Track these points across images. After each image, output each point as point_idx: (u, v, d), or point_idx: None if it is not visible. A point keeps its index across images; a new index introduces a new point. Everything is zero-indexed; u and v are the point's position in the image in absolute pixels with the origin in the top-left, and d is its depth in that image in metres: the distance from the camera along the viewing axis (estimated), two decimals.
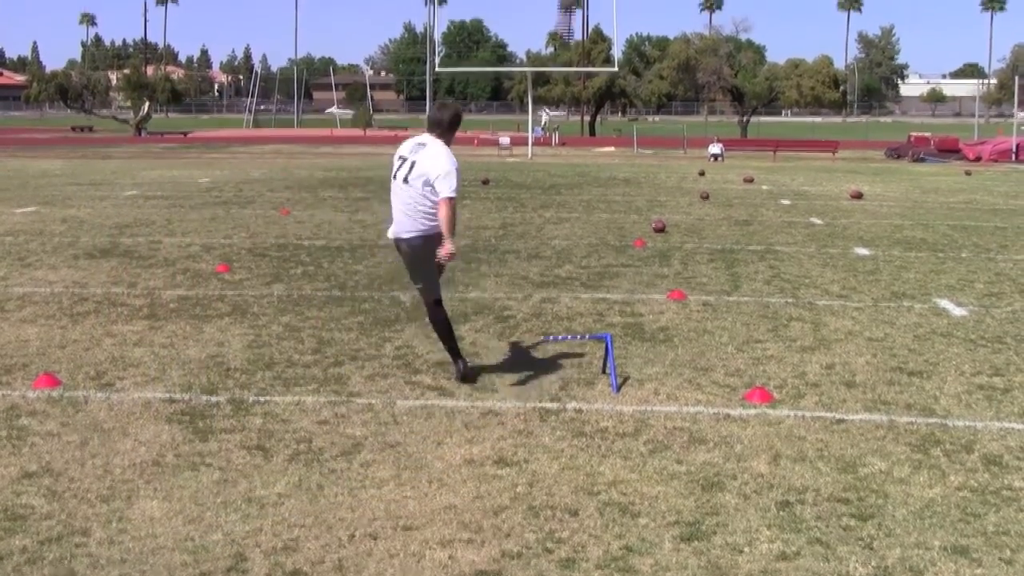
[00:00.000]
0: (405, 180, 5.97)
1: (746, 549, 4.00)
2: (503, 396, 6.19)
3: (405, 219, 6.07)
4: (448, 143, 6.10)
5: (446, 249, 5.95)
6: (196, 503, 4.46)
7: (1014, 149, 37.58)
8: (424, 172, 5.90)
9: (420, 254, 6.12)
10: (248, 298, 9.31)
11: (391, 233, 6.31)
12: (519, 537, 4.11)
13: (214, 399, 6.12)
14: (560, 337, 7.32)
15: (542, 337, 7.50)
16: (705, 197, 19.97)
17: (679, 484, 4.72)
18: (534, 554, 3.96)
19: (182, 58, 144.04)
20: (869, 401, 6.23)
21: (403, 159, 6.07)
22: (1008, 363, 7.21)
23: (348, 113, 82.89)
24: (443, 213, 5.90)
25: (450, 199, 5.90)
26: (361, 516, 4.32)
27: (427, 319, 6.62)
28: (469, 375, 6.35)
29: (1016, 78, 47.86)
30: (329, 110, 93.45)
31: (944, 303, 9.48)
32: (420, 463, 4.99)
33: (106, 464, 5.00)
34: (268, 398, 6.13)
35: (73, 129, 61.57)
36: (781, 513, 4.38)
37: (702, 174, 27.76)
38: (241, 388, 6.36)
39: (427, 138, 6.11)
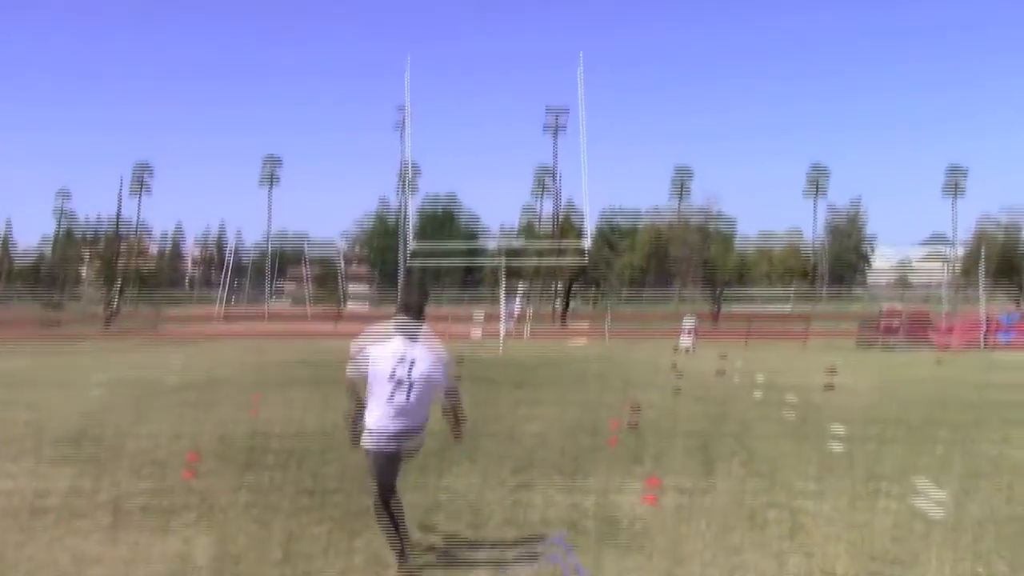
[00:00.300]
0: (408, 379, 5.86)
1: None
2: None
3: (403, 418, 5.96)
4: (424, 320, 6.16)
5: (463, 433, 6.29)
6: None
7: (983, 332, 37.49)
8: (427, 369, 5.91)
9: (413, 450, 6.22)
10: (215, 501, 9.03)
11: (375, 437, 6.07)
12: None
13: None
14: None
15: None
16: (677, 390, 19.85)
17: None
18: None
19: (156, 233, 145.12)
20: None
21: (400, 358, 5.92)
22: (990, 558, 7.09)
23: (296, 290, 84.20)
24: (456, 400, 6.13)
25: (456, 387, 6.21)
26: None
27: (382, 507, 6.58)
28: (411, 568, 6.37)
29: (983, 248, 47.81)
30: (281, 294, 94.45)
31: (922, 490, 9.38)
32: None
33: None
34: None
35: (41, 324, 61.55)
36: None
37: (675, 367, 27.43)
38: None
39: (403, 344, 6.00)
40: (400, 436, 6.00)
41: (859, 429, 14.03)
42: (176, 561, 7.22)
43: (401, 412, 5.96)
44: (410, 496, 9.03)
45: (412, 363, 5.88)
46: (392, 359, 5.93)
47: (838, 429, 13.88)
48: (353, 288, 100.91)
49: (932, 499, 8.87)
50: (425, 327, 6.04)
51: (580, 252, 54.81)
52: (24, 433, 13.56)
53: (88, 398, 18.41)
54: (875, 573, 6.60)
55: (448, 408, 6.11)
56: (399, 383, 5.85)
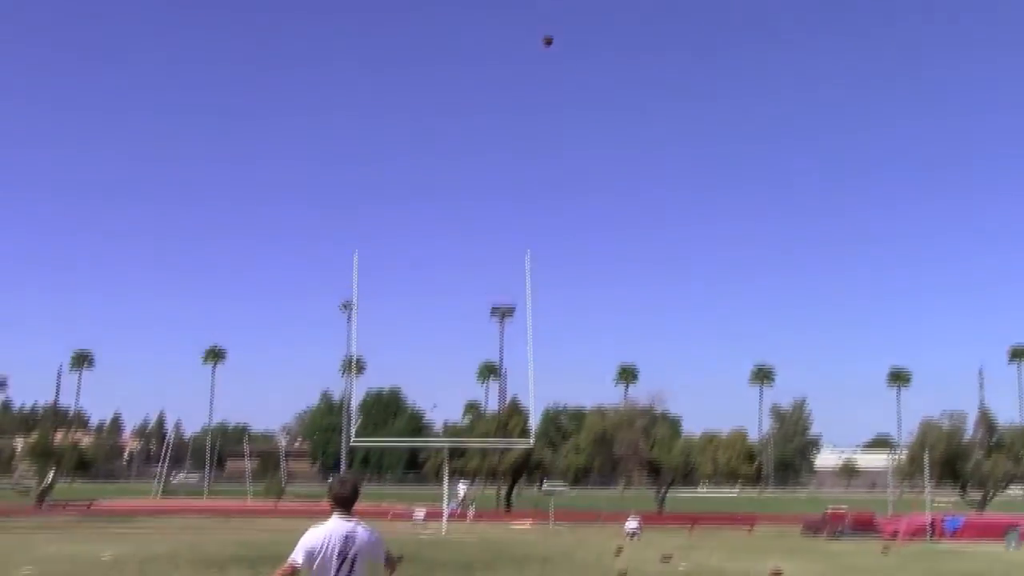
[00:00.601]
0: (350, 559, 5.89)
1: None
2: None
3: None
4: (353, 513, 6.23)
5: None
6: None
7: (929, 525, 38.06)
8: (367, 548, 5.97)
9: None
10: None
11: None
12: None
13: None
14: None
15: None
16: (623, 574, 19.79)
17: None
18: None
19: (93, 422, 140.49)
20: None
21: (342, 557, 5.93)
22: None
23: (190, 477, 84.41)
24: (394, 565, 6.21)
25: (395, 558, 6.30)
26: None
27: None
28: None
29: (926, 452, 48.12)
30: (179, 477, 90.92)
31: None
32: None
33: None
34: None
35: None
36: None
37: (619, 552, 27.19)
38: None
39: (344, 525, 6.05)
40: None
41: None
42: None
43: None
44: None
45: (352, 543, 5.94)
46: (332, 542, 5.96)
47: None
48: (294, 473, 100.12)
49: None
50: (355, 520, 6.15)
51: (526, 442, 52.66)
52: None
53: None
54: None
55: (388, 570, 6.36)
56: (341, 564, 5.90)
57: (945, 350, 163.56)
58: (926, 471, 45.09)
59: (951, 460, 52.27)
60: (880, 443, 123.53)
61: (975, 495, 54.38)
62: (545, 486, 74.00)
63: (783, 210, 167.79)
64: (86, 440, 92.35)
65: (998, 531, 36.71)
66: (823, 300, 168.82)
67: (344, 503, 6.05)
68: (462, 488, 60.54)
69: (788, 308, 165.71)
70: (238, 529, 38.29)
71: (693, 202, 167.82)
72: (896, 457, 70.95)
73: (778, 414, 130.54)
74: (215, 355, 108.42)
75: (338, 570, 5.87)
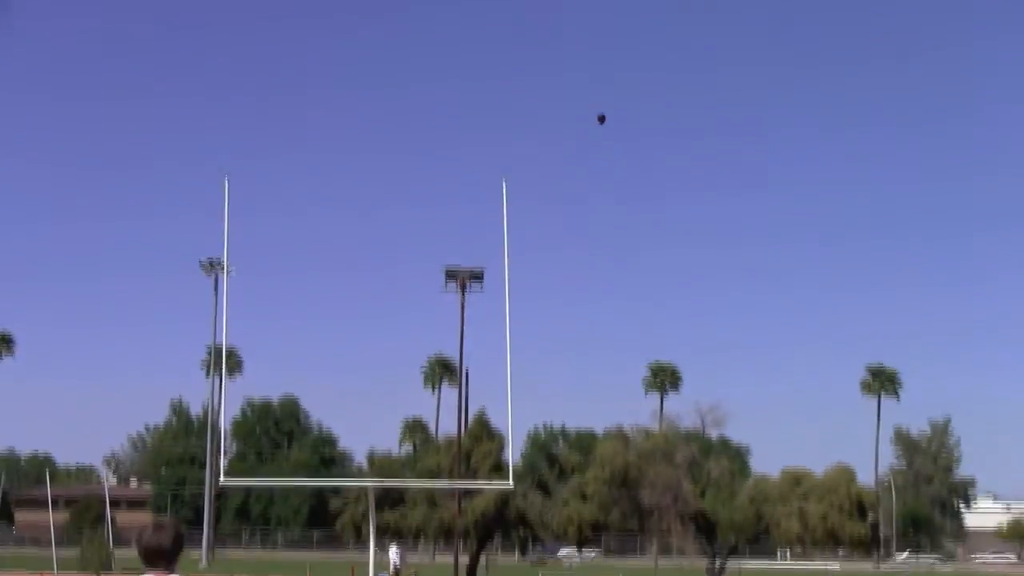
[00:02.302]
0: None
1: None
2: None
3: None
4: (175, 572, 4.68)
5: None
6: None
7: None
8: None
9: None
10: None
11: None
12: None
13: None
14: None
15: None
16: None
17: None
18: None
19: None
20: None
21: None
22: None
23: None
24: None
25: None
26: None
27: None
28: None
29: None
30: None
31: None
32: None
33: None
34: None
35: None
36: None
37: None
38: None
39: None
40: None
41: None
42: None
43: None
44: None
45: None
46: None
47: None
48: (127, 529, 67.13)
49: None
50: None
51: (502, 482, 32.64)
52: None
53: None
54: None
55: None
56: None
57: None
58: None
59: None
60: None
61: None
62: (536, 552, 53.80)
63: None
64: None
65: None
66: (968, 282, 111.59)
67: (157, 556, 4.63)
68: (394, 556, 42.02)
69: (912, 291, 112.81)
70: None
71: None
72: None
73: (906, 442, 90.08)
74: (2, 342, 73.89)
75: None
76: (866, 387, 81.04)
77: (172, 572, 4.57)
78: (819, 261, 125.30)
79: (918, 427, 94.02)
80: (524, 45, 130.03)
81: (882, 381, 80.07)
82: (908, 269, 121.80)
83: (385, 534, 40.95)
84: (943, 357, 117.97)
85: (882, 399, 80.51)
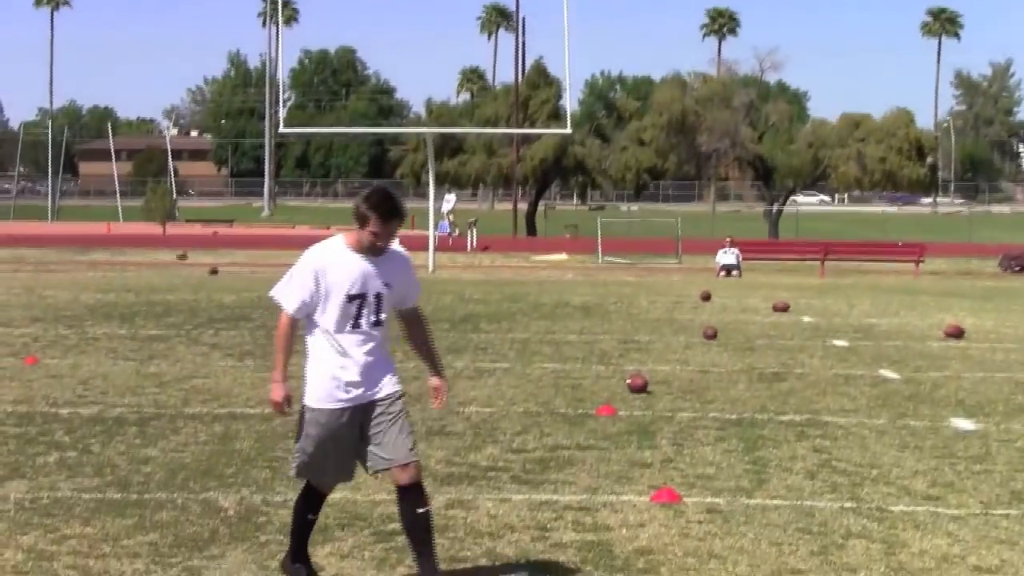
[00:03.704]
0: (377, 323, 4.33)
1: None
2: None
3: (375, 371, 4.39)
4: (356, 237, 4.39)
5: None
6: None
7: None
8: (401, 297, 4.39)
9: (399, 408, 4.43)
10: None
11: (342, 399, 4.32)
12: None
13: None
14: None
15: None
16: (712, 336, 13.47)
17: None
18: None
19: None
20: None
21: (360, 297, 4.31)
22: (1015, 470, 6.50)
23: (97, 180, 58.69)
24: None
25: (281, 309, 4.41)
26: None
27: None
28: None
29: None
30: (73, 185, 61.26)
31: None
32: None
33: None
34: None
35: None
36: None
37: (707, 298, 19.29)
38: None
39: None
40: (386, 393, 4.36)
41: (1000, 407, 9.44)
42: None
43: (369, 364, 4.32)
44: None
45: (379, 299, 4.29)
46: (346, 299, 4.30)
47: (967, 399, 9.13)
48: (189, 181, 67.78)
49: None
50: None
51: (558, 119, 39.62)
52: None
53: None
54: None
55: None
56: (371, 328, 4.31)
57: None
58: None
59: None
60: None
61: None
62: (588, 201, 54.23)
63: None
64: None
65: None
66: None
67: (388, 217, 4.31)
68: (449, 202, 39.98)
69: None
70: (103, 264, 27.39)
71: None
72: None
73: (967, 84, 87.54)
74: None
75: (359, 311, 4.31)
76: (927, 29, 78.31)
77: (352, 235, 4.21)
78: None
79: (979, 69, 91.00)
80: None
81: (943, 22, 77.63)
82: None
83: (444, 183, 38.89)
84: None
85: (943, 41, 78.12)
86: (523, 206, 46.38)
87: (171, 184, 55.24)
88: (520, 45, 46.56)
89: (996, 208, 75.49)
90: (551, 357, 12.13)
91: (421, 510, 4.17)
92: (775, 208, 43.28)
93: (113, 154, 59.02)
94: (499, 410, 9.14)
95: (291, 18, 68.26)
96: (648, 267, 30.54)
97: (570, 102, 34.25)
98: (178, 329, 14.18)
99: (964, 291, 23.65)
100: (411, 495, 4.14)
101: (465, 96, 72.37)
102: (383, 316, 4.13)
